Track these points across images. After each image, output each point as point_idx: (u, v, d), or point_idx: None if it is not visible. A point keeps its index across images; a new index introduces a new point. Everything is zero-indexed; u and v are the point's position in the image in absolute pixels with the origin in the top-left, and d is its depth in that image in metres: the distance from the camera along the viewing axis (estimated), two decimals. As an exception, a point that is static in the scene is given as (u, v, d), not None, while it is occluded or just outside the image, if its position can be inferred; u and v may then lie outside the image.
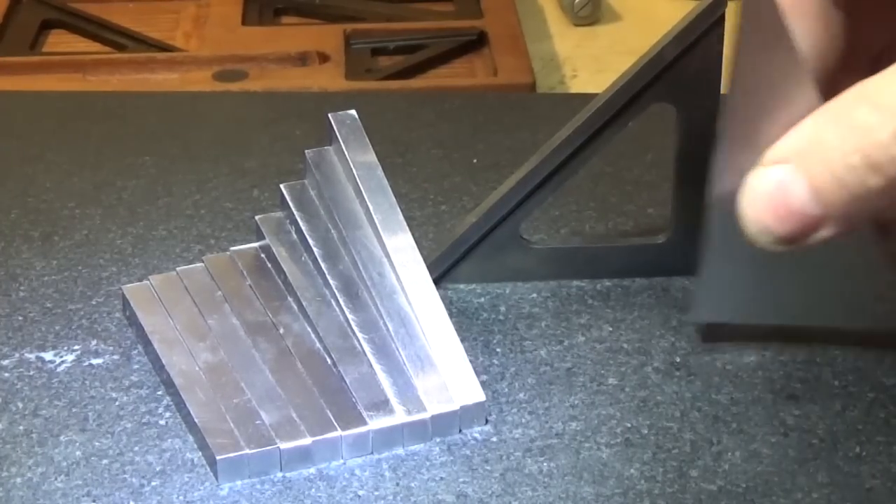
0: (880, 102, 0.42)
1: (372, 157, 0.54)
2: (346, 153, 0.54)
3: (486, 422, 0.51)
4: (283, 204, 0.55)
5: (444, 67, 0.85)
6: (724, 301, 0.52)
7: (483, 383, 0.51)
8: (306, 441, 0.48)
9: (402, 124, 0.70)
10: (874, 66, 0.46)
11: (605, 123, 0.55)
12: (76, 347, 0.54)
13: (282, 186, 0.56)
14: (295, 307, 0.53)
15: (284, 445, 0.48)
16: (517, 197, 0.56)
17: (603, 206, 0.63)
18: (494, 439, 0.50)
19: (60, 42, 0.89)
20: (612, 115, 0.55)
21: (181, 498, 0.47)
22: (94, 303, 0.57)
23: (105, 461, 0.49)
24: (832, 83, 0.50)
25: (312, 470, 0.49)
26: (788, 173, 0.44)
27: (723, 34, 0.54)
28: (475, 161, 0.67)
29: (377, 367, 0.51)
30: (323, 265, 0.53)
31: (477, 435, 0.50)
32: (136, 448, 0.49)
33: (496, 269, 0.58)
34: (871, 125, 0.42)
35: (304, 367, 0.51)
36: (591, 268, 0.58)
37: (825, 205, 0.43)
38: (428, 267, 0.53)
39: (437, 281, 0.56)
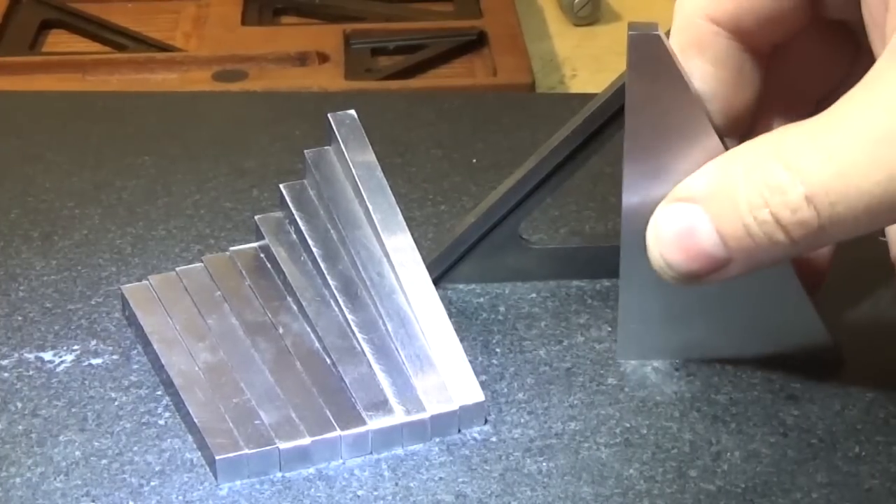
0: (793, 163, 0.42)
1: (371, 157, 0.54)
2: (345, 153, 0.54)
3: (486, 422, 0.51)
4: (283, 204, 0.55)
5: (444, 67, 0.85)
6: (645, 339, 0.53)
7: (482, 383, 0.51)
8: (305, 441, 0.48)
9: (402, 124, 0.70)
10: (818, 107, 0.47)
11: (604, 123, 0.55)
12: (75, 347, 0.54)
13: (281, 186, 0.56)
14: (294, 307, 0.53)
15: (284, 445, 0.48)
16: (516, 197, 0.56)
17: (603, 207, 0.63)
18: (494, 439, 0.50)
19: (60, 42, 0.89)
20: (611, 114, 0.55)
21: (180, 498, 0.47)
22: (93, 303, 0.57)
23: (104, 461, 0.49)
24: (763, 121, 0.51)
25: (312, 470, 0.49)
26: (696, 214, 0.44)
27: None
28: (475, 161, 0.67)
29: (376, 367, 0.51)
30: (322, 265, 0.53)
31: (476, 435, 0.50)
32: (136, 448, 0.49)
33: (495, 269, 0.58)
34: (782, 185, 0.42)
35: (303, 367, 0.51)
36: (590, 268, 0.58)
37: (731, 249, 0.44)
38: (427, 267, 0.53)
39: (437, 281, 0.56)
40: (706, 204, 0.44)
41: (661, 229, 0.45)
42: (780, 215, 0.42)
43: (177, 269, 0.56)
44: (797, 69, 0.51)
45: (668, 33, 0.49)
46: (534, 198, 0.56)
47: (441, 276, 0.57)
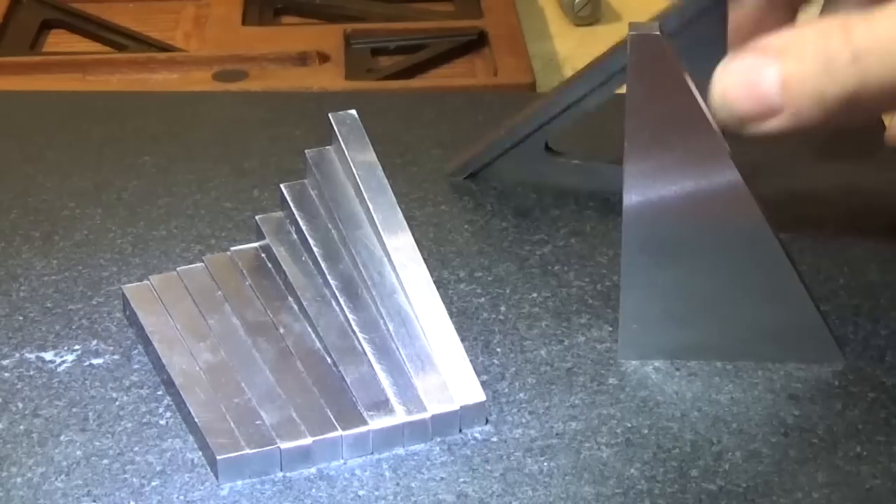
0: (852, 33, 0.46)
1: (372, 156, 0.54)
2: (346, 153, 0.54)
3: (487, 422, 0.51)
4: (284, 204, 0.55)
5: (445, 67, 0.85)
6: (646, 339, 0.53)
7: (483, 383, 0.51)
8: (306, 441, 0.48)
9: (402, 124, 0.70)
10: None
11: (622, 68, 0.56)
12: (76, 347, 0.54)
13: (282, 186, 0.56)
14: (295, 307, 0.53)
15: (285, 445, 0.48)
16: (545, 115, 0.61)
17: (603, 207, 0.63)
18: (495, 439, 0.50)
19: (60, 42, 0.89)
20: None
21: (181, 498, 0.47)
22: (94, 303, 0.57)
23: (105, 461, 0.49)
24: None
25: (313, 470, 0.49)
26: (766, 62, 0.47)
27: None
28: (475, 161, 0.67)
29: (377, 367, 0.51)
30: (323, 265, 0.53)
31: (477, 435, 0.50)
32: (137, 448, 0.49)
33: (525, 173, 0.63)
34: (839, 48, 0.46)
35: (304, 366, 0.51)
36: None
37: (786, 98, 0.47)
38: (465, 163, 0.56)
39: (473, 175, 0.62)
40: (778, 54, 0.47)
41: (731, 69, 0.48)
42: (833, 68, 0.46)
43: (178, 269, 0.56)
44: None
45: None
46: (561, 117, 0.60)
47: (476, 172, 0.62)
